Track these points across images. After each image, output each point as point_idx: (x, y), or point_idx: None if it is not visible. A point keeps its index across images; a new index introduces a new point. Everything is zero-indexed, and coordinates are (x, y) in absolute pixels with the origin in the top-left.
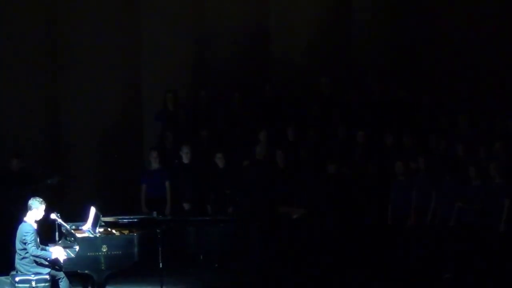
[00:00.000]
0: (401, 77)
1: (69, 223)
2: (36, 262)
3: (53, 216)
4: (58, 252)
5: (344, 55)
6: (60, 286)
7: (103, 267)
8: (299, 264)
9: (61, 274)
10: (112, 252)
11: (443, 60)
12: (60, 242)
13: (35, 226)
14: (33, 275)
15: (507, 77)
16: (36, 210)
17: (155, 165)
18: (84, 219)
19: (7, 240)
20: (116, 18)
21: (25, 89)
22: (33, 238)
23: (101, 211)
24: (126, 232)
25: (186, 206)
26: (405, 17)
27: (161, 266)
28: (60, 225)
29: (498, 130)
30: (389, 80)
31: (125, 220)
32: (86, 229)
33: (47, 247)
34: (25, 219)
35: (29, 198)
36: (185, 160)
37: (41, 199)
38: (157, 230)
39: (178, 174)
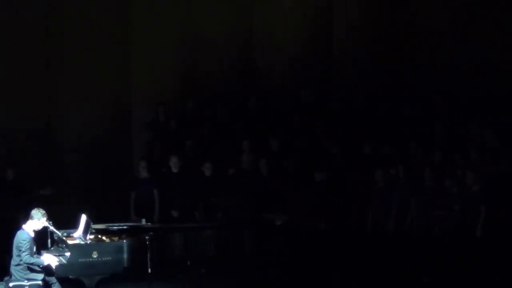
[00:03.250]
0: (380, 89)
1: (60, 230)
2: (29, 268)
3: (45, 223)
4: (50, 259)
5: (325, 68)
6: None
7: (93, 273)
8: (285, 268)
9: (53, 280)
10: (103, 258)
11: (420, 72)
12: (52, 248)
13: (32, 234)
14: (26, 281)
15: (481, 88)
16: (37, 220)
17: (143, 174)
18: (75, 226)
19: (1, 248)
20: (108, 31)
21: (19, 101)
22: (28, 246)
23: (92, 219)
24: (116, 239)
25: (175, 213)
26: (383, 32)
27: (149, 271)
28: (52, 232)
29: (474, 139)
30: (368, 91)
31: (115, 227)
32: (77, 236)
33: (40, 254)
34: (23, 226)
35: (24, 208)
36: (174, 169)
37: (44, 212)
38: (146, 237)
39: (167, 182)
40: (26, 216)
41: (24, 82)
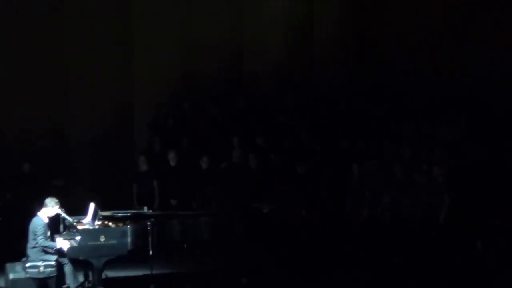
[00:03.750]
0: (356, 91)
1: (72, 217)
2: (44, 250)
3: (58, 210)
4: (62, 242)
5: (307, 73)
6: (65, 270)
7: (101, 255)
8: (270, 250)
9: (65, 261)
10: (109, 242)
11: (392, 77)
12: (64, 233)
13: (46, 220)
14: (41, 262)
15: (446, 91)
16: (51, 208)
17: (143, 167)
18: (85, 213)
19: (19, 233)
20: (112, 39)
21: (32, 104)
22: (43, 231)
23: (99, 207)
24: (120, 224)
25: (173, 202)
26: (360, 40)
27: (151, 253)
28: (64, 219)
29: (440, 136)
30: (346, 93)
31: (120, 214)
32: (87, 222)
33: (53, 238)
34: (38, 213)
35: (38, 197)
36: (172, 163)
37: (57, 200)
38: (147, 223)
39: (166, 174)
40: (41, 204)
41: (36, 86)
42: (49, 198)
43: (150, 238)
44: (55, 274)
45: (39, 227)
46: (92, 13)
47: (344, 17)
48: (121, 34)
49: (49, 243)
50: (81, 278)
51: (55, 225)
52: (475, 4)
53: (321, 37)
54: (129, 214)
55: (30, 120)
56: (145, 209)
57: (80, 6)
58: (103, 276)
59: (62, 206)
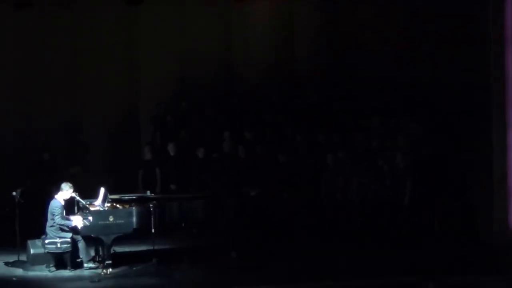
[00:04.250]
0: (330, 91)
1: (85, 200)
2: (61, 229)
3: (72, 194)
4: (77, 221)
5: (289, 75)
6: (79, 246)
7: (110, 232)
8: (257, 228)
9: (79, 237)
10: (117, 221)
11: (361, 77)
12: (78, 214)
13: (62, 202)
14: (58, 238)
15: (408, 89)
16: (66, 191)
17: (147, 156)
18: (96, 196)
19: (39, 213)
20: (120, 48)
21: (53, 100)
22: (60, 211)
23: (108, 191)
24: (127, 206)
25: (172, 186)
26: (335, 45)
27: (153, 231)
28: (78, 201)
29: (403, 129)
30: (322, 93)
31: (126, 197)
32: (98, 204)
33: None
34: (56, 196)
35: (57, 182)
36: (171, 153)
37: (71, 185)
38: (150, 205)
39: (166, 163)
40: (58, 189)
41: (56, 85)
42: (64, 183)
43: (152, 218)
44: (70, 249)
45: (56, 208)
46: (103, 28)
47: (320, 24)
48: (128, 42)
49: (65, 221)
50: (92, 253)
51: (70, 207)
52: (436, 13)
53: (301, 44)
54: (134, 197)
55: (50, 116)
56: (148, 193)
57: (94, 26)
58: (112, 251)
59: (76, 190)
